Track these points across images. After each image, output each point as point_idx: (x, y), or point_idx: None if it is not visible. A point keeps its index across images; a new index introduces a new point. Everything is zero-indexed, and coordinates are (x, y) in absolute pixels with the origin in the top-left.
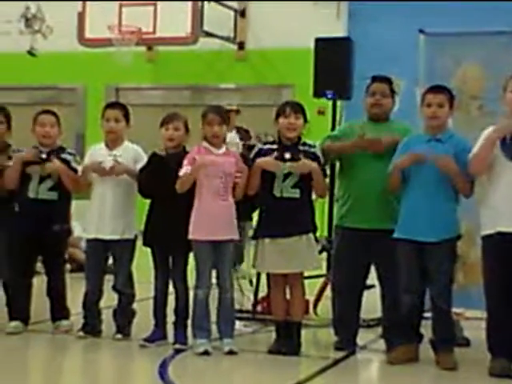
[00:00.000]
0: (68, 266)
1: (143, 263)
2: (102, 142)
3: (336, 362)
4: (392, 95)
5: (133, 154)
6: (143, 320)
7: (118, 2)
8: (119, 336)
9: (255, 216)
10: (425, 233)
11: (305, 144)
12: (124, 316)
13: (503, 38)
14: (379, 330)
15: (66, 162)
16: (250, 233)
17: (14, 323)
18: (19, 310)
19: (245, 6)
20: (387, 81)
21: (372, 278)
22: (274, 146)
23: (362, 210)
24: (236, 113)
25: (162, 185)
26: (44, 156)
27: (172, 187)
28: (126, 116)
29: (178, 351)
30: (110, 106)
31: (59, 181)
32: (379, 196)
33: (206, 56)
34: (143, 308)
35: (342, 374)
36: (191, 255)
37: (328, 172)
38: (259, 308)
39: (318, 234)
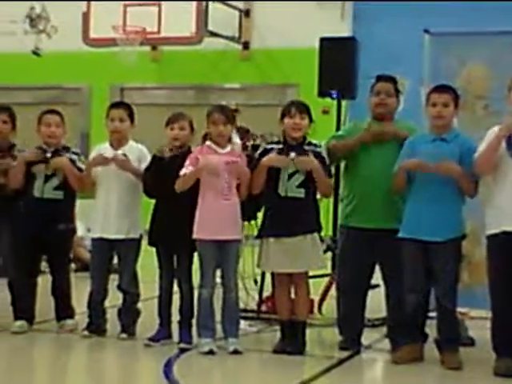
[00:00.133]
0: (73, 266)
1: (148, 263)
2: (107, 141)
3: (341, 362)
4: (397, 95)
5: (137, 154)
6: (148, 319)
7: (123, 2)
8: (124, 335)
9: (257, 215)
10: (430, 232)
11: (310, 144)
12: (129, 315)
13: (508, 37)
14: (384, 329)
15: (71, 162)
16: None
17: (18, 322)
18: (24, 310)
19: (249, 5)
20: (392, 80)
21: (377, 277)
22: (280, 146)
23: (367, 209)
24: (235, 112)
25: (165, 185)
26: (49, 155)
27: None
28: (131, 116)
29: (182, 350)
30: (114, 105)
31: (64, 180)
32: (384, 195)
33: (211, 56)
34: (148, 307)
35: (346, 374)
36: (196, 254)
37: (333, 172)
38: (264, 307)
39: (322, 234)
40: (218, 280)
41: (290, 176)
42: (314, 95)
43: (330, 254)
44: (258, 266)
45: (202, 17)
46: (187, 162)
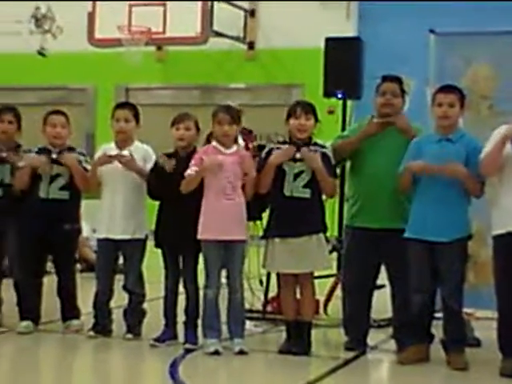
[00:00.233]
0: (78, 266)
1: (153, 263)
2: (112, 142)
3: (346, 363)
4: (402, 95)
5: (143, 154)
6: (153, 320)
7: (128, 2)
8: (129, 336)
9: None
10: (436, 233)
11: (316, 144)
12: (134, 316)
13: None
14: (390, 330)
15: (78, 162)
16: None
17: (24, 323)
18: (30, 310)
19: (255, 5)
20: (397, 80)
21: (382, 277)
22: (285, 146)
23: (373, 209)
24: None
25: (169, 187)
26: (54, 156)
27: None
28: (136, 116)
29: (188, 351)
30: (119, 106)
31: (70, 180)
32: (390, 195)
33: (216, 56)
34: (153, 308)
35: (352, 375)
36: (201, 255)
37: (338, 172)
38: (269, 308)
39: (328, 234)
40: (224, 280)
41: (296, 176)
42: (320, 95)
43: (335, 254)
44: (264, 266)
45: (208, 17)
46: (192, 163)
